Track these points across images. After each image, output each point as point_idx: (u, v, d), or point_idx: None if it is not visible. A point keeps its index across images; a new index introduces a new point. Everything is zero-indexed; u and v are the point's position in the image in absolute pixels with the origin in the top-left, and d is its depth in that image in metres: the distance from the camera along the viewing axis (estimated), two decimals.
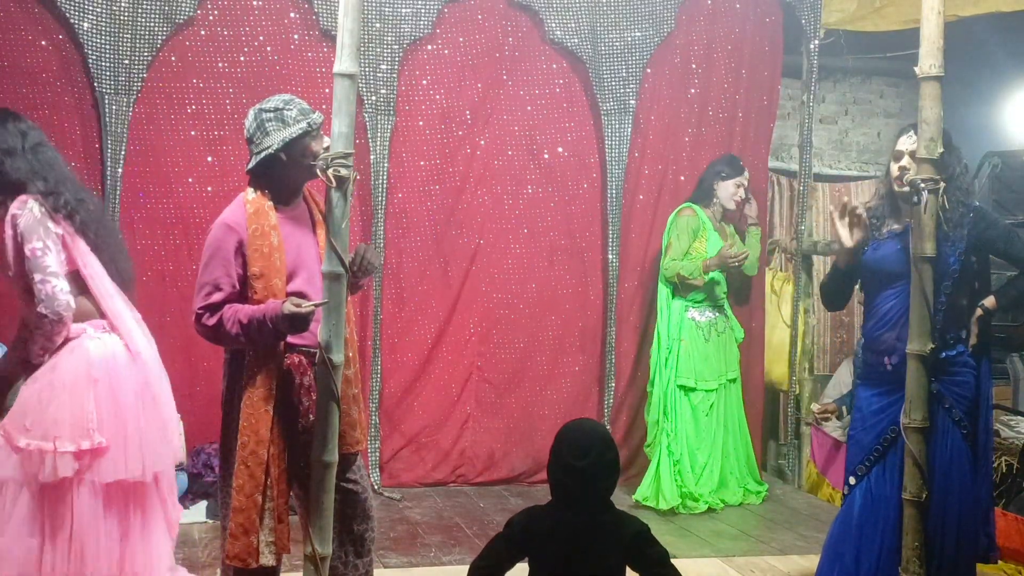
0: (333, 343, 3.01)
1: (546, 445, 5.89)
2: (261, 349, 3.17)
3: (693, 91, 6.11)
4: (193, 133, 5.42)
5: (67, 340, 3.26)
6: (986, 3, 5.87)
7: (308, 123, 3.20)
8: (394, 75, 5.60)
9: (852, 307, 6.53)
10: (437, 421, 5.86)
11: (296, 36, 5.52)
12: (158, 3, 5.24)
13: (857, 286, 3.84)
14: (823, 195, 7.53)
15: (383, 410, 5.72)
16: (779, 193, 7.33)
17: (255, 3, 5.44)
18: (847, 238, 3.62)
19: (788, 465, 6.25)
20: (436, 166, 5.79)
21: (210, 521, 4.98)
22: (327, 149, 3.14)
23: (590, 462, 2.68)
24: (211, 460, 5.22)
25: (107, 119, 5.23)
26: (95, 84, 5.22)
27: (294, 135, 3.18)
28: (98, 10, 5.17)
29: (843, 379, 5.88)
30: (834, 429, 5.58)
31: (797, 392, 6.18)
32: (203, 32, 5.38)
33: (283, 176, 3.25)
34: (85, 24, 5.16)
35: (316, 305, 3.05)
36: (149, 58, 5.27)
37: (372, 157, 5.57)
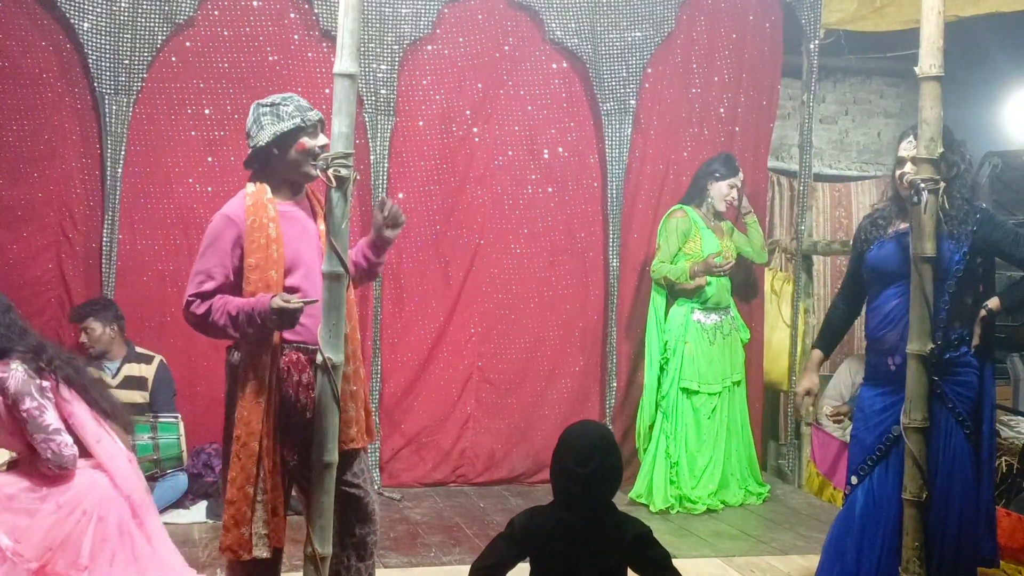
0: (332, 342, 3.01)
1: (546, 445, 5.86)
2: (251, 342, 3.17)
3: (693, 91, 6.11)
4: (193, 133, 5.42)
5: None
6: (986, 3, 5.87)
7: (302, 119, 3.21)
8: (394, 75, 5.60)
9: None
10: (437, 421, 5.86)
11: (296, 36, 5.52)
12: (158, 3, 5.24)
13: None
14: (823, 195, 7.53)
15: (383, 410, 5.72)
16: (779, 193, 7.32)
17: (255, 3, 5.44)
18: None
19: (788, 465, 6.25)
20: (436, 166, 5.79)
21: (210, 521, 4.97)
22: (325, 148, 3.14)
23: (593, 468, 2.68)
24: (211, 460, 5.22)
25: (107, 119, 5.24)
26: (95, 84, 5.23)
27: (286, 129, 3.20)
28: (98, 10, 5.17)
29: (843, 379, 5.87)
30: (835, 430, 5.58)
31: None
32: (203, 32, 5.39)
33: (276, 170, 3.26)
34: (85, 24, 5.16)
35: (306, 302, 3.05)
36: (149, 58, 5.27)
37: (372, 157, 5.57)
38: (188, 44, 5.37)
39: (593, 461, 2.68)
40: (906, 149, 3.59)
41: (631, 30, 5.90)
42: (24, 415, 3.13)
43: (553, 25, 5.82)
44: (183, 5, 5.27)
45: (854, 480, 3.69)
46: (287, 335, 3.19)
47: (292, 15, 5.51)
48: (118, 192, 5.28)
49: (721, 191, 5.60)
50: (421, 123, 5.75)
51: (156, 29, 5.26)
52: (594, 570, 2.69)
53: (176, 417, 5.05)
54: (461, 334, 5.89)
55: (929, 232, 3.35)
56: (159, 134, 5.38)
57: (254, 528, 3.16)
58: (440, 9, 5.65)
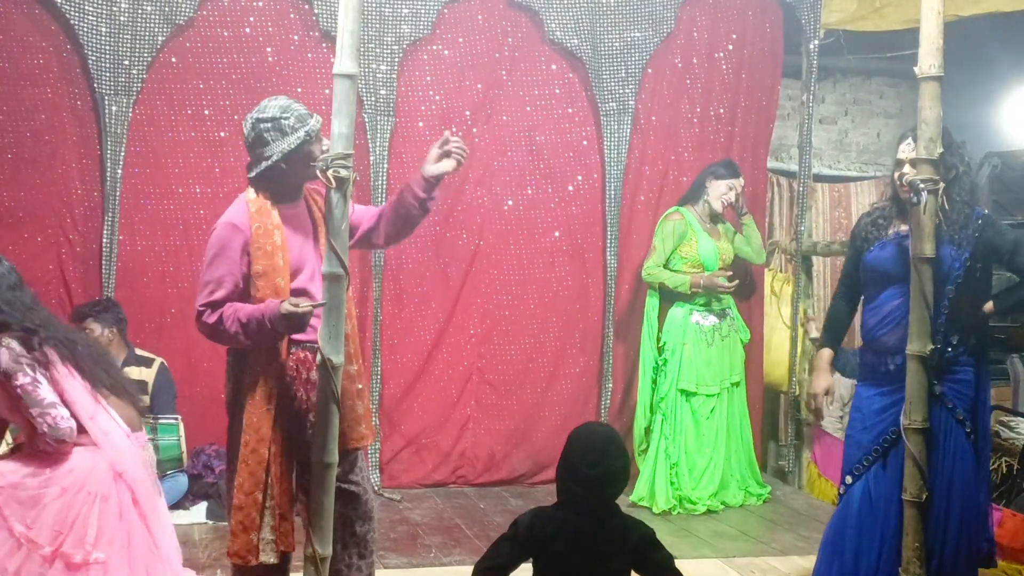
0: (332, 343, 3.01)
1: (546, 446, 5.86)
2: (262, 348, 3.17)
3: (693, 91, 6.11)
4: (193, 134, 5.42)
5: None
6: (986, 3, 5.87)
7: (306, 132, 3.20)
8: (394, 76, 5.60)
9: None
10: (437, 422, 5.85)
11: (296, 37, 5.52)
12: (158, 4, 5.24)
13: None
14: (823, 196, 7.52)
15: (383, 411, 5.72)
16: (779, 194, 7.32)
17: (255, 4, 5.44)
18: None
19: (788, 466, 6.24)
20: None
21: (210, 522, 4.97)
22: (327, 150, 3.15)
23: (600, 470, 2.68)
24: (211, 461, 5.22)
25: (107, 120, 5.24)
26: (95, 85, 5.23)
27: (293, 145, 3.18)
28: (98, 11, 5.17)
29: (842, 379, 5.87)
30: (838, 432, 5.58)
31: (797, 393, 6.17)
32: (203, 33, 5.38)
33: (284, 180, 3.26)
34: (85, 25, 5.16)
35: (314, 306, 3.05)
36: (149, 59, 5.27)
37: (372, 158, 5.57)
38: (188, 45, 5.37)
39: (601, 463, 2.69)
40: (904, 151, 3.58)
41: (631, 30, 5.90)
42: (19, 391, 3.14)
43: (553, 25, 5.82)
44: (183, 6, 5.27)
45: (849, 480, 3.67)
46: (295, 335, 3.20)
47: (292, 15, 5.50)
48: (118, 193, 5.27)
49: (719, 190, 5.59)
50: (421, 124, 5.74)
51: (156, 30, 5.26)
52: (598, 572, 2.69)
53: (176, 419, 5.05)
54: (461, 335, 5.89)
55: (928, 233, 3.35)
56: (159, 135, 5.38)
57: (263, 534, 3.17)
58: (440, 9, 5.65)
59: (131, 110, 5.27)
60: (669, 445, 5.47)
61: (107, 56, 5.21)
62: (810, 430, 6.08)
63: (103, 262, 5.28)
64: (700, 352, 5.50)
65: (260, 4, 5.45)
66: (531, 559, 2.77)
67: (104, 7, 5.18)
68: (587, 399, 6.04)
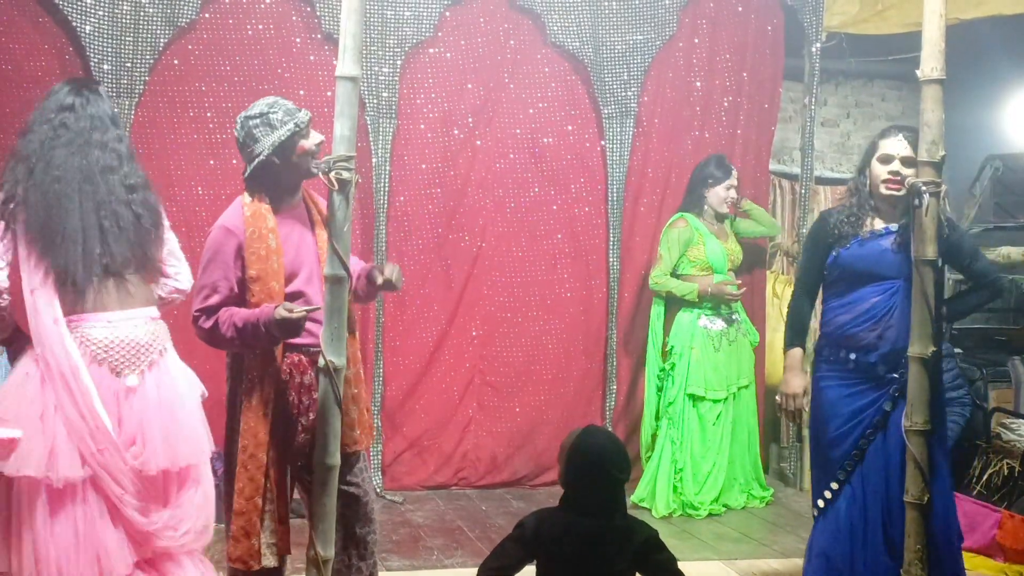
0: (335, 346, 3.01)
1: (548, 448, 5.86)
2: (258, 352, 3.18)
3: (695, 94, 6.11)
4: (195, 136, 5.42)
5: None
6: (988, 6, 5.87)
7: (295, 124, 3.21)
8: (396, 78, 5.61)
9: None
10: (439, 424, 5.85)
11: (298, 39, 5.52)
12: (160, 6, 5.24)
13: None
14: (825, 198, 7.50)
15: (385, 413, 5.72)
16: (781, 196, 7.31)
17: (257, 6, 5.44)
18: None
19: (790, 468, 6.24)
20: (438, 169, 5.79)
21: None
22: (319, 145, 3.15)
23: (605, 472, 2.73)
24: (214, 463, 5.21)
25: None
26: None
27: (283, 137, 3.20)
28: (100, 13, 5.18)
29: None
30: None
31: None
32: (205, 35, 5.39)
33: (279, 178, 3.27)
34: (87, 27, 5.16)
35: (308, 310, 3.05)
36: (151, 61, 5.27)
37: (374, 160, 5.58)
38: (190, 47, 5.37)
39: (605, 465, 2.70)
40: (895, 147, 3.57)
41: (633, 33, 5.91)
42: None
43: (555, 28, 5.83)
44: (185, 8, 5.28)
45: (835, 485, 3.61)
46: (290, 339, 3.19)
47: (294, 18, 5.51)
48: None
49: (719, 195, 5.60)
50: (423, 126, 5.75)
51: (158, 32, 5.26)
52: (602, 573, 2.70)
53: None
54: (463, 337, 5.89)
55: (931, 235, 3.35)
56: (161, 137, 5.38)
57: (263, 538, 3.17)
58: (442, 12, 5.65)
59: (133, 112, 5.27)
60: (676, 451, 5.46)
61: (109, 58, 5.21)
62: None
63: None
64: (708, 356, 5.50)
65: (262, 6, 5.45)
66: (534, 561, 2.77)
67: (106, 9, 5.18)
68: (590, 401, 6.04)
